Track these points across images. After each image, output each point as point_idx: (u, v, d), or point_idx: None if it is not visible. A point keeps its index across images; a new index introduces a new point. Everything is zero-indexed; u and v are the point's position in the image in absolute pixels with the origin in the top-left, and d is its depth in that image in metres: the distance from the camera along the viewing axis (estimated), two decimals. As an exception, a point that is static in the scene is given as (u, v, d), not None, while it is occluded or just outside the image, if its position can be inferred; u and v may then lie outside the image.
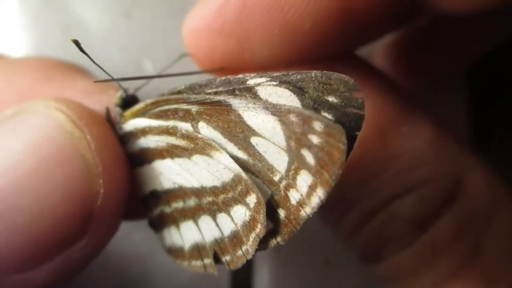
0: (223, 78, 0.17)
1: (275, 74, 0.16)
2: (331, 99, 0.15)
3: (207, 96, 0.16)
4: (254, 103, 0.15)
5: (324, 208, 0.15)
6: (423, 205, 0.20)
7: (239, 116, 0.16)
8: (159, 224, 0.20)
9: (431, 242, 0.20)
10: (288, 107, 0.15)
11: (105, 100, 0.19)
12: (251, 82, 0.16)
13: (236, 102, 0.16)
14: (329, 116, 0.15)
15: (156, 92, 0.25)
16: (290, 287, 0.26)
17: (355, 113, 0.15)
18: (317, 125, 0.14)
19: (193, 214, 0.18)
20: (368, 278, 0.25)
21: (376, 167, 0.20)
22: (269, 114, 0.15)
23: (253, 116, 0.15)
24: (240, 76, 0.16)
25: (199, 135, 0.16)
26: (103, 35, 0.27)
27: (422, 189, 0.20)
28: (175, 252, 0.19)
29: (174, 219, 0.19)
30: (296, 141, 0.15)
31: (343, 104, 0.15)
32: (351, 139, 0.15)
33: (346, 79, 0.15)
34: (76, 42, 0.17)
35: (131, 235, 0.25)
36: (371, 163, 0.20)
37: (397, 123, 0.20)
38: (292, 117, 0.15)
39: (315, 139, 0.14)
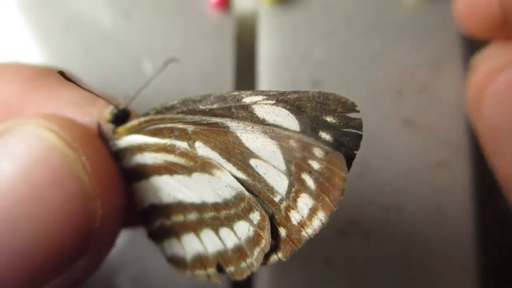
0: (218, 94, 0.16)
1: (271, 93, 0.16)
2: (329, 119, 0.15)
3: (204, 118, 0.16)
4: (252, 127, 0.15)
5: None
6: None
7: (237, 138, 0.15)
8: (159, 236, 0.19)
9: None
10: (288, 133, 0.15)
11: (95, 112, 0.18)
12: (247, 100, 0.16)
13: (233, 125, 0.15)
14: (328, 136, 0.15)
15: (150, 96, 0.25)
16: (290, 287, 0.26)
17: (353, 132, 0.15)
18: (318, 152, 0.14)
19: (194, 228, 0.18)
20: (368, 278, 0.25)
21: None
22: (268, 138, 0.15)
23: (252, 139, 0.15)
24: (235, 93, 0.16)
25: (198, 154, 0.16)
26: (103, 35, 0.27)
27: None
28: (177, 262, 0.19)
29: (175, 232, 0.19)
30: (296, 165, 0.15)
31: (341, 124, 0.15)
32: (349, 157, 0.15)
33: (344, 99, 0.15)
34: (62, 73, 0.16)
35: (131, 234, 0.25)
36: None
37: None
38: (292, 143, 0.14)
39: (315, 165, 0.14)
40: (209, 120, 0.16)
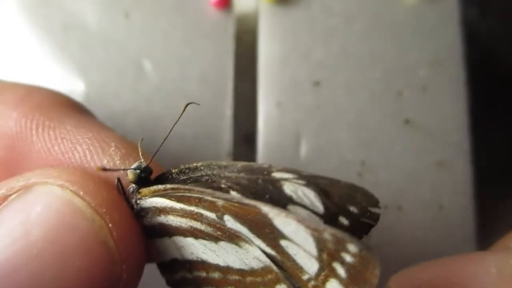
0: (245, 164, 0.16)
1: (304, 174, 0.16)
2: (352, 208, 0.16)
3: (234, 197, 0.16)
4: (286, 215, 0.15)
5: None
6: None
7: (269, 219, 0.15)
8: (179, 285, 0.19)
9: None
10: (323, 227, 0.15)
11: (106, 162, 0.18)
12: (276, 175, 0.16)
13: (266, 210, 0.15)
14: (345, 221, 0.16)
15: (150, 96, 0.25)
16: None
17: (368, 222, 0.16)
18: (352, 247, 0.14)
19: (217, 284, 0.18)
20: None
21: None
22: (302, 226, 0.15)
23: (284, 223, 0.15)
24: (265, 166, 0.16)
25: (227, 226, 0.16)
26: (103, 35, 0.27)
27: None
28: None
29: (197, 284, 0.19)
30: (328, 254, 0.15)
31: (360, 214, 0.16)
32: (359, 237, 0.16)
33: (370, 195, 0.16)
34: None
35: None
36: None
37: None
38: (327, 235, 0.15)
39: (348, 258, 0.14)
40: (240, 200, 0.16)
